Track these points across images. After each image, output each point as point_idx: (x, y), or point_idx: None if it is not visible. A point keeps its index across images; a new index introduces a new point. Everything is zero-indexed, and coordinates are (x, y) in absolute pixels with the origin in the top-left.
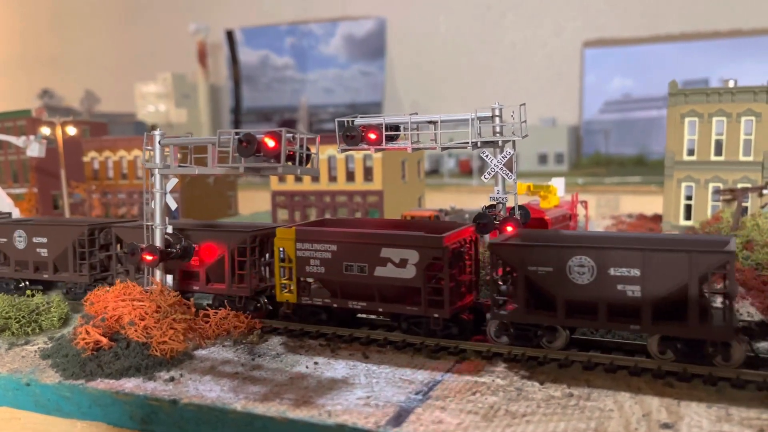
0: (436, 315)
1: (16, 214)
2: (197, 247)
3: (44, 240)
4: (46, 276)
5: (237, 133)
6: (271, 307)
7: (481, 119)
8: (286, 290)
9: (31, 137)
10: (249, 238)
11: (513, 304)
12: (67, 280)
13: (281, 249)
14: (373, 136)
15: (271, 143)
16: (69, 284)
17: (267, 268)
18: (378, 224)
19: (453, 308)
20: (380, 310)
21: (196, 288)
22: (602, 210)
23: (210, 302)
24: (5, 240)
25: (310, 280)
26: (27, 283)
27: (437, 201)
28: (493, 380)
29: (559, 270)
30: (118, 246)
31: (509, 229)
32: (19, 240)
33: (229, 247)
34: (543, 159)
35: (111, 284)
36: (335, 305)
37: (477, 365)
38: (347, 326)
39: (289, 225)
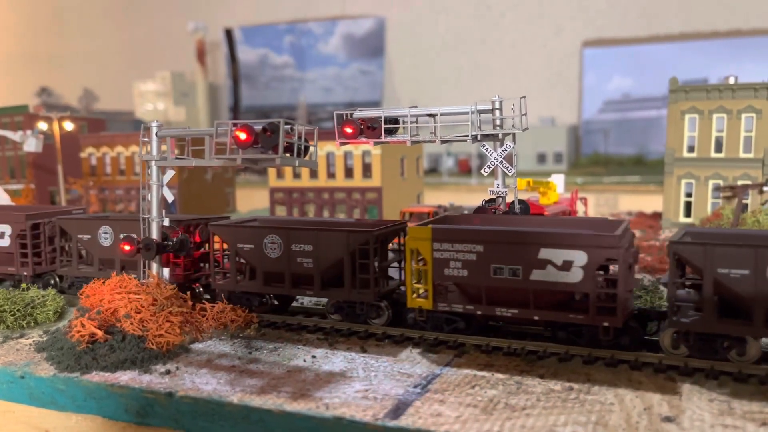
0: (606, 324)
1: None
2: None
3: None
4: (310, 292)
5: (235, 125)
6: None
7: (481, 112)
8: (417, 295)
9: (28, 132)
10: (372, 238)
11: (691, 311)
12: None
13: (414, 250)
14: (372, 129)
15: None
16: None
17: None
18: (530, 221)
19: (625, 315)
20: (536, 318)
21: (309, 293)
22: (601, 209)
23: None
24: (89, 237)
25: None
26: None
27: (436, 199)
28: (493, 374)
29: (757, 273)
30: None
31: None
32: (105, 237)
33: (348, 247)
34: (542, 158)
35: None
36: (479, 312)
37: (476, 359)
38: (482, 335)
39: (422, 223)
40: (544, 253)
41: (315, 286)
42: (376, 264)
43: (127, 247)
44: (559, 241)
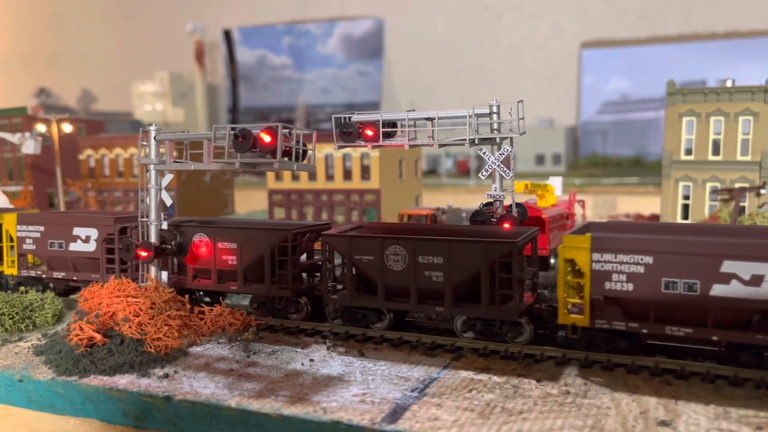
0: None
1: None
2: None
3: (233, 246)
4: (234, 288)
5: (233, 128)
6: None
7: (478, 116)
8: (569, 310)
9: (27, 134)
10: (516, 250)
11: None
12: (259, 293)
13: (569, 260)
14: (370, 132)
15: (267, 138)
16: (260, 298)
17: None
18: (706, 230)
19: None
20: (714, 338)
21: (439, 309)
22: (599, 210)
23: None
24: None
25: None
26: (201, 293)
27: (434, 201)
28: (490, 377)
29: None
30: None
31: (506, 226)
32: (200, 245)
33: (487, 260)
34: (540, 159)
35: (316, 298)
36: (645, 331)
37: (473, 362)
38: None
39: (577, 231)
40: (728, 266)
41: (446, 302)
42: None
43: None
44: (747, 253)
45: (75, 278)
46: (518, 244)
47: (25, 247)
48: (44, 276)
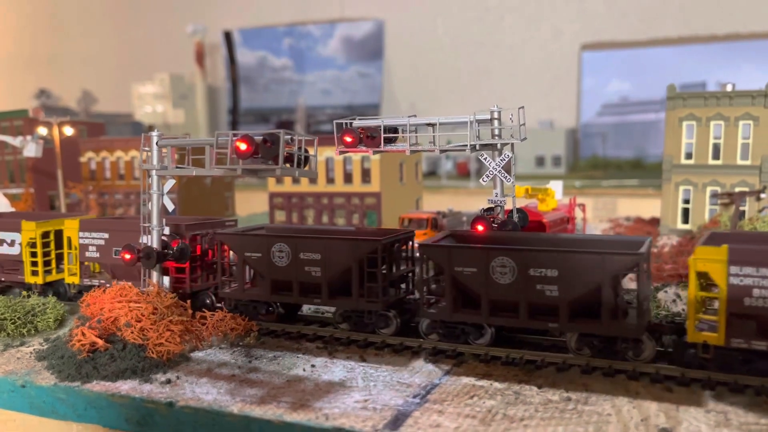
0: None
1: None
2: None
3: (317, 257)
4: (318, 301)
5: (235, 134)
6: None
7: (479, 122)
8: (698, 327)
9: (28, 137)
10: (643, 259)
11: None
12: (346, 307)
13: (701, 273)
14: (371, 138)
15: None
16: (346, 312)
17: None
18: None
19: None
20: None
21: (553, 325)
22: (599, 213)
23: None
24: (259, 255)
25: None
26: (278, 306)
27: (435, 203)
28: (491, 384)
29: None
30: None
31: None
32: (280, 256)
33: (609, 271)
34: (540, 161)
35: (406, 312)
36: None
37: (475, 368)
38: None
39: (705, 242)
40: None
41: (561, 318)
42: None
43: (127, 256)
44: None
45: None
46: (646, 254)
47: (87, 254)
48: (108, 285)
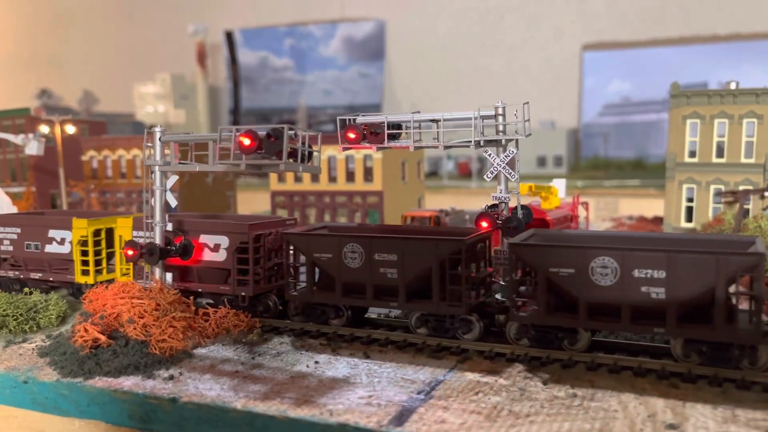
0: None
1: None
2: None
3: (393, 258)
4: (394, 304)
5: (238, 130)
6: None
7: (483, 118)
8: None
9: (30, 135)
10: (763, 261)
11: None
12: (426, 311)
13: None
14: (375, 134)
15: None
16: (425, 315)
17: None
18: None
19: None
20: None
21: (659, 330)
22: (601, 213)
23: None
24: (329, 256)
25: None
26: (348, 310)
27: (436, 202)
28: (496, 380)
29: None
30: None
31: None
32: (353, 257)
33: (724, 273)
34: (542, 162)
35: (488, 316)
36: None
37: (479, 365)
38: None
39: None
40: None
41: (668, 323)
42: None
43: (130, 252)
44: None
45: (200, 290)
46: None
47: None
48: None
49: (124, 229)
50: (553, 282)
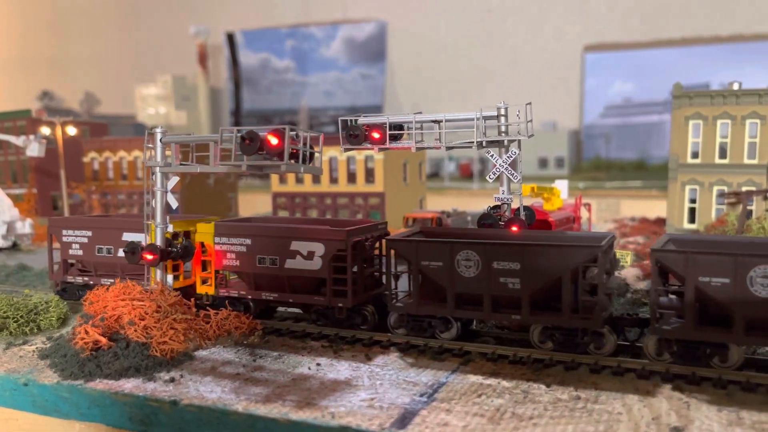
0: None
1: (15, 215)
2: None
3: (516, 266)
4: (516, 317)
5: (239, 131)
6: None
7: (486, 118)
8: None
9: (31, 137)
10: None
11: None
12: (558, 325)
13: None
14: (376, 135)
15: (274, 141)
16: (549, 329)
17: None
18: None
19: None
20: None
21: None
22: (603, 214)
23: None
24: (439, 264)
25: None
26: (458, 323)
27: (438, 204)
28: (499, 382)
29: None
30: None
31: (514, 229)
32: (467, 265)
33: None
34: (543, 163)
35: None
36: None
37: (482, 367)
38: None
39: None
40: None
41: None
42: None
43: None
44: None
45: (291, 300)
46: None
47: (225, 262)
48: (249, 297)
49: (205, 235)
50: (704, 292)
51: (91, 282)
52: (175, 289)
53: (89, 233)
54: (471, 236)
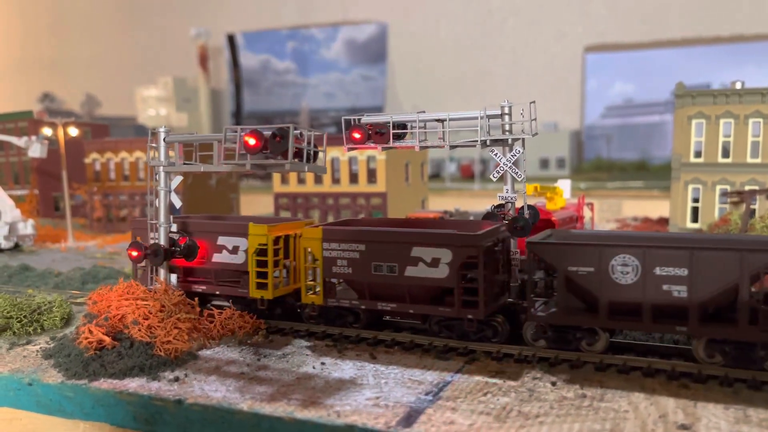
0: None
1: (17, 215)
2: None
3: (683, 272)
4: (682, 329)
5: (243, 130)
6: None
7: (490, 117)
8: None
9: (33, 138)
10: None
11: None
12: (731, 338)
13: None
14: (379, 134)
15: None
16: (718, 342)
17: None
18: None
19: None
20: None
21: None
22: (605, 214)
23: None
24: (590, 270)
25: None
26: (606, 333)
27: (440, 204)
28: (505, 381)
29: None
30: None
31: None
32: (623, 271)
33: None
34: (545, 164)
35: None
36: None
37: (487, 366)
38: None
39: None
40: None
41: None
42: None
43: (134, 253)
44: None
45: (411, 310)
46: None
47: (335, 270)
48: (363, 307)
49: (311, 241)
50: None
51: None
52: (271, 301)
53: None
54: (626, 239)
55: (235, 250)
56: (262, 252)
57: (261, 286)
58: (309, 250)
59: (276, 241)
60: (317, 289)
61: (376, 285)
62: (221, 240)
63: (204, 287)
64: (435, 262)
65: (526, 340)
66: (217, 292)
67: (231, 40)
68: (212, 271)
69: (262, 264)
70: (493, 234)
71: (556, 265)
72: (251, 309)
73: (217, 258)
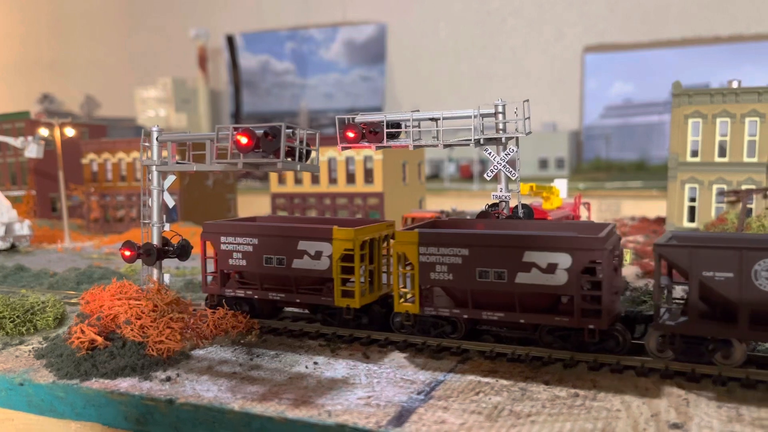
0: None
1: (14, 216)
2: None
3: None
4: None
5: (236, 128)
6: None
7: (483, 116)
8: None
9: (29, 138)
10: None
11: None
12: None
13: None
14: (374, 133)
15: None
16: None
17: None
18: None
19: None
20: None
21: None
22: (603, 214)
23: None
24: (728, 275)
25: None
26: (742, 346)
27: (438, 204)
28: (497, 380)
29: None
30: None
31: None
32: (766, 275)
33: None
34: (544, 164)
35: None
36: None
37: (480, 365)
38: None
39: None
40: None
41: None
42: None
43: (127, 253)
44: None
45: (522, 320)
46: None
47: (433, 276)
48: (465, 316)
49: (406, 246)
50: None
51: (256, 296)
52: (357, 310)
53: (255, 240)
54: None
55: (317, 256)
56: (347, 257)
57: (347, 294)
58: (402, 254)
59: (362, 245)
60: (409, 296)
61: (481, 293)
62: (302, 245)
63: (283, 295)
64: (551, 268)
65: (649, 350)
66: (298, 301)
67: (230, 40)
68: (292, 277)
69: (347, 270)
70: (612, 235)
71: (689, 270)
72: (335, 319)
73: (297, 264)
